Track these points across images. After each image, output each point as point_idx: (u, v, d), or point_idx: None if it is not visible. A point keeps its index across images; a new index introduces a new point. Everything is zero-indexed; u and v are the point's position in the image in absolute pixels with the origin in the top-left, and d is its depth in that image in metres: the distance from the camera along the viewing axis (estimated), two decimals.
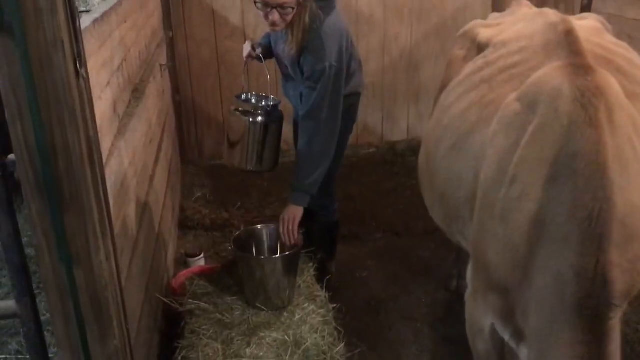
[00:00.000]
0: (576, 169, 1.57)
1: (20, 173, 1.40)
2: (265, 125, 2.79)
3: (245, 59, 2.96)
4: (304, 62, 2.63)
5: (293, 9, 2.50)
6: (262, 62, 2.96)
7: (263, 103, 2.94)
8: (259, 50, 2.92)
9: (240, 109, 2.83)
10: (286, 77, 2.95)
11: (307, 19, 2.56)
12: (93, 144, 1.46)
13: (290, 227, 2.73)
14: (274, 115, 2.83)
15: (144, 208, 2.48)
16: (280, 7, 2.48)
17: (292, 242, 2.75)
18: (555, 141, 1.63)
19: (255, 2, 2.53)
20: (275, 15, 2.49)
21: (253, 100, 2.96)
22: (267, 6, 2.49)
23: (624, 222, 1.57)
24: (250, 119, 2.78)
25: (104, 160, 1.72)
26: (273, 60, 3.01)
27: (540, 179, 1.65)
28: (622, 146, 1.61)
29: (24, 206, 1.54)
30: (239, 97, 2.92)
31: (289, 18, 2.54)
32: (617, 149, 1.59)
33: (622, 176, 1.57)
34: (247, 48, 2.93)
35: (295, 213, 2.73)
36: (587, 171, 1.56)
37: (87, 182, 1.44)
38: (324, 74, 2.56)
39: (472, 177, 1.98)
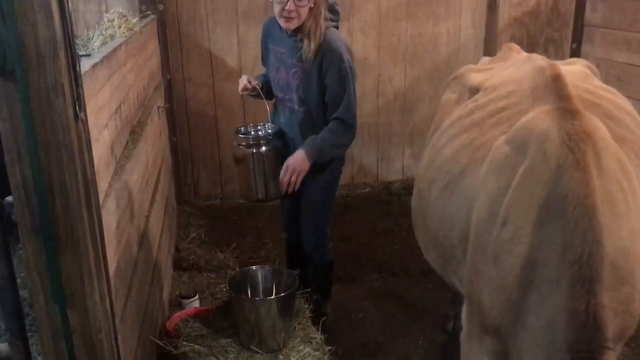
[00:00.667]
0: (565, 211, 1.59)
1: (17, 214, 1.41)
2: (268, 153, 2.88)
3: (241, 92, 2.99)
4: (328, 66, 2.72)
5: (309, 2, 2.64)
6: (258, 93, 2.98)
7: (262, 132, 3.00)
8: (255, 82, 2.97)
9: (243, 143, 2.91)
10: (282, 103, 2.97)
11: (322, 23, 2.70)
12: (90, 185, 1.48)
13: (294, 178, 2.78)
14: (275, 142, 2.92)
15: (139, 249, 2.48)
16: None
17: (291, 191, 2.79)
18: (545, 184, 1.66)
19: None
20: (291, 5, 2.60)
21: (252, 132, 3.01)
22: None
23: (614, 264, 1.59)
24: (254, 150, 2.86)
25: (101, 202, 1.74)
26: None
27: (530, 222, 1.67)
28: (610, 189, 1.64)
29: (18, 247, 1.54)
30: (238, 130, 3.00)
31: (303, 13, 2.65)
32: (605, 192, 1.61)
33: (611, 219, 1.59)
34: (243, 81, 2.97)
35: (303, 164, 2.79)
36: (576, 214, 1.58)
37: (84, 224, 1.45)
38: (348, 72, 2.74)
39: (465, 218, 2.00)
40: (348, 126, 2.83)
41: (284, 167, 2.82)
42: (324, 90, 2.79)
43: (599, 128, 1.73)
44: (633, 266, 1.68)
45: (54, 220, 1.41)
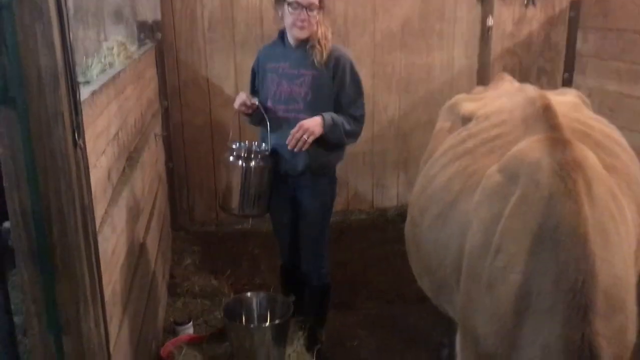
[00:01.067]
0: (558, 240, 1.61)
1: (14, 240, 1.42)
2: (257, 168, 2.89)
3: (237, 108, 3.00)
4: (343, 71, 2.94)
5: (319, 10, 2.86)
6: (258, 109, 2.99)
7: (255, 148, 3.00)
8: (254, 100, 2.99)
9: (234, 154, 2.93)
10: (285, 115, 2.99)
11: (329, 34, 2.94)
12: (87, 212, 1.50)
13: (306, 137, 2.81)
14: (266, 160, 2.94)
15: (134, 275, 2.48)
16: (308, 7, 2.82)
17: (298, 150, 2.82)
18: (537, 212, 1.68)
19: (288, 3, 2.83)
20: (304, 14, 2.82)
21: (245, 147, 3.00)
22: (299, 6, 2.82)
23: (607, 293, 1.60)
24: (243, 163, 2.88)
25: (97, 228, 1.75)
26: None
27: (524, 250, 1.68)
28: (601, 218, 1.66)
29: (12, 273, 1.55)
30: (233, 144, 3.01)
31: (313, 22, 2.86)
32: (597, 221, 1.63)
33: (603, 248, 1.61)
34: (241, 97, 2.99)
35: (316, 127, 2.83)
36: (569, 242, 1.60)
37: (80, 250, 1.46)
38: (359, 78, 3.02)
39: (458, 246, 2.01)
40: (359, 123, 3.01)
41: (296, 126, 2.85)
42: (335, 93, 2.95)
43: (589, 157, 1.76)
44: (626, 295, 1.69)
45: (51, 247, 1.42)
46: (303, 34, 2.88)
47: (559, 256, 1.60)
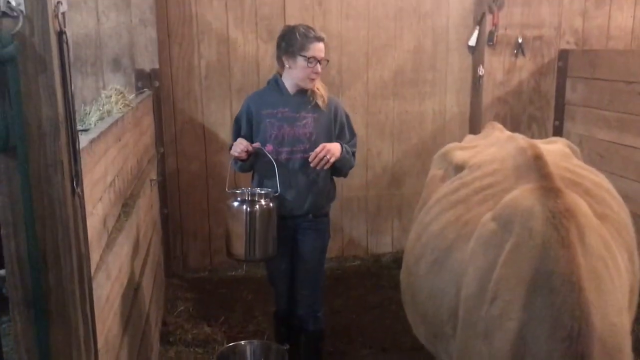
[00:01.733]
0: (553, 288, 1.62)
1: (9, 288, 1.42)
2: (267, 211, 2.92)
3: (238, 154, 3.02)
4: (337, 110, 3.16)
5: (327, 62, 3.11)
6: (261, 150, 3.03)
7: (259, 191, 3.02)
8: (256, 144, 3.03)
9: (238, 199, 2.94)
10: (290, 156, 3.06)
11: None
12: (83, 259, 1.50)
13: (327, 157, 2.95)
14: (270, 204, 2.95)
15: (127, 322, 2.45)
16: (321, 61, 3.04)
17: (320, 168, 2.96)
18: (531, 260, 1.69)
19: (307, 59, 2.98)
20: (318, 67, 3.02)
21: (248, 192, 3.01)
22: (315, 61, 3.01)
23: (603, 340, 1.60)
24: (247, 207, 2.90)
25: (92, 274, 1.75)
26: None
27: (519, 298, 1.69)
28: (595, 266, 1.67)
29: (3, 320, 1.54)
30: (234, 190, 3.03)
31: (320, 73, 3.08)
32: (590, 269, 1.65)
33: (597, 295, 1.62)
34: (242, 143, 3.02)
35: (336, 150, 3.01)
36: (564, 290, 1.60)
37: (75, 298, 1.46)
38: (349, 118, 3.25)
39: (454, 294, 2.01)
40: (354, 159, 3.20)
41: (319, 146, 2.98)
42: (336, 133, 3.15)
43: (581, 205, 1.79)
44: (622, 341, 1.69)
45: (46, 295, 1.42)
46: (313, 85, 3.07)
47: (554, 304, 1.61)
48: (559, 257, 1.64)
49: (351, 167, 3.19)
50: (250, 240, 2.90)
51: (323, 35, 3.04)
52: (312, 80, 3.04)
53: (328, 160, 2.96)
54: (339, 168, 3.11)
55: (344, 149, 3.06)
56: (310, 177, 3.06)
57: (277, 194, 2.99)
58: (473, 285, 1.87)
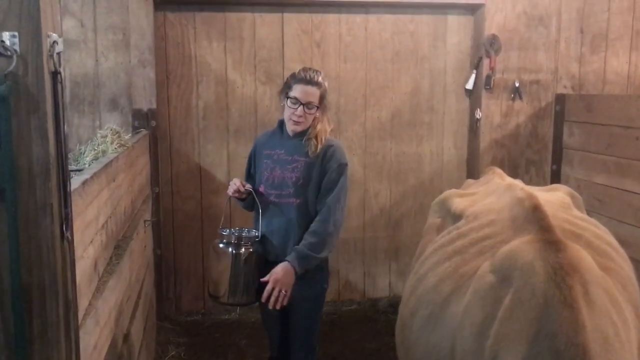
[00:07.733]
0: (557, 350, 1.54)
1: None
2: (248, 256, 2.86)
3: (231, 194, 3.01)
4: (330, 158, 2.96)
5: (316, 108, 2.95)
6: (252, 194, 3.00)
7: (245, 234, 2.99)
8: (248, 186, 3.00)
9: (224, 241, 2.90)
10: (277, 200, 2.98)
11: (327, 126, 3.02)
12: (70, 307, 1.44)
13: (284, 292, 2.77)
14: (257, 247, 2.91)
15: None
16: (307, 105, 2.91)
17: (279, 307, 2.77)
18: (533, 319, 1.62)
19: (288, 98, 2.93)
20: (301, 111, 2.90)
21: (236, 234, 2.98)
22: (297, 103, 2.91)
23: None
24: (233, 250, 2.85)
25: (79, 322, 1.67)
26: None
27: (520, 358, 1.60)
28: (601, 324, 1.59)
29: None
30: (223, 230, 2.98)
31: (310, 118, 2.95)
32: (596, 328, 1.57)
33: (604, 357, 1.54)
34: (235, 183, 3.00)
35: (289, 276, 2.79)
36: (568, 353, 1.52)
37: (60, 347, 1.39)
38: (345, 168, 3.00)
39: (449, 350, 1.93)
40: (333, 213, 2.89)
41: (270, 279, 2.78)
42: (322, 179, 2.96)
43: (585, 259, 1.72)
44: None
45: (30, 344, 1.35)
46: (297, 128, 2.96)
47: None
48: (562, 317, 1.56)
49: (324, 247, 2.86)
50: (230, 283, 2.86)
51: (319, 80, 2.93)
52: (295, 123, 2.93)
53: (285, 294, 2.78)
54: (311, 269, 2.87)
55: (300, 260, 2.79)
56: (291, 222, 2.95)
57: (257, 239, 2.94)
58: (469, 340, 1.79)
